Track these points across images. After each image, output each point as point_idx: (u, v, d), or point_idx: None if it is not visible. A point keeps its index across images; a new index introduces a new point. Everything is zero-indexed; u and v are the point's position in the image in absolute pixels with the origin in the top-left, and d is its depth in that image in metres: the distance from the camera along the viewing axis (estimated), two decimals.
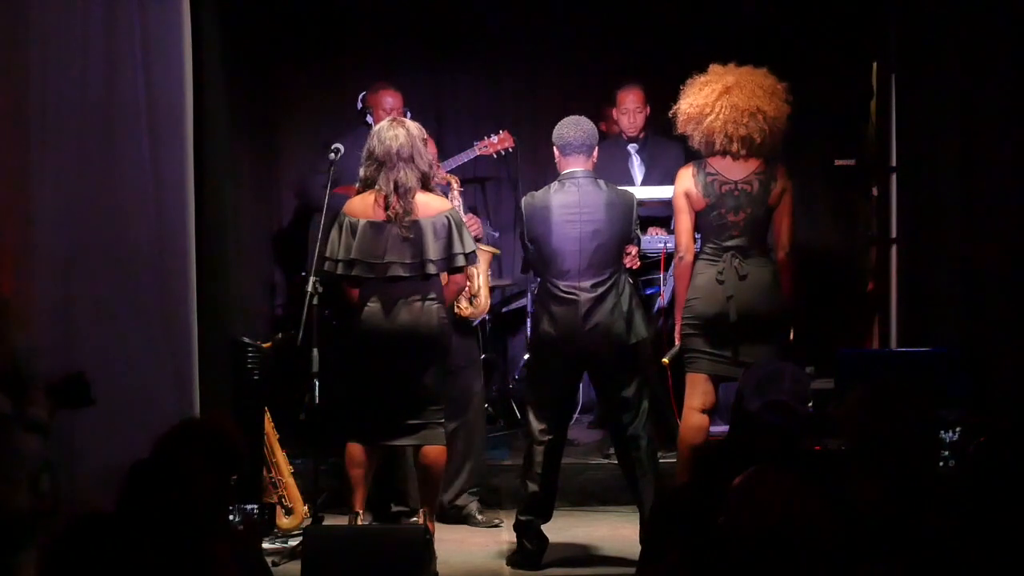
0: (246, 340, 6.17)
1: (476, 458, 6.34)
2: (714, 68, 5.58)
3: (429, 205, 5.39)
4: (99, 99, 5.55)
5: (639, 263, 6.20)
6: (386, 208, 5.33)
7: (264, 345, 6.23)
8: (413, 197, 5.33)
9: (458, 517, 6.31)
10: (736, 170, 5.51)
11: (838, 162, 7.25)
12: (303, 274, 6.40)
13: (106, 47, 5.55)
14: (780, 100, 5.51)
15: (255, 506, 5.65)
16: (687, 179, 5.56)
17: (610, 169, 6.46)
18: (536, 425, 5.58)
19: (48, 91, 5.49)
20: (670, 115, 5.67)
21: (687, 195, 5.54)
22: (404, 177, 5.32)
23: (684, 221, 5.57)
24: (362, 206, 5.40)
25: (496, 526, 6.16)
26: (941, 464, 4.46)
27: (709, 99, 5.49)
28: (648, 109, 7.11)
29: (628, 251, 5.70)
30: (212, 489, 3.21)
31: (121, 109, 5.57)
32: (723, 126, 5.45)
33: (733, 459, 3.24)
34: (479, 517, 6.27)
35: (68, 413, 4.62)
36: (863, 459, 3.19)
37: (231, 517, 3.63)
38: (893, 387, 3.38)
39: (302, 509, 6.03)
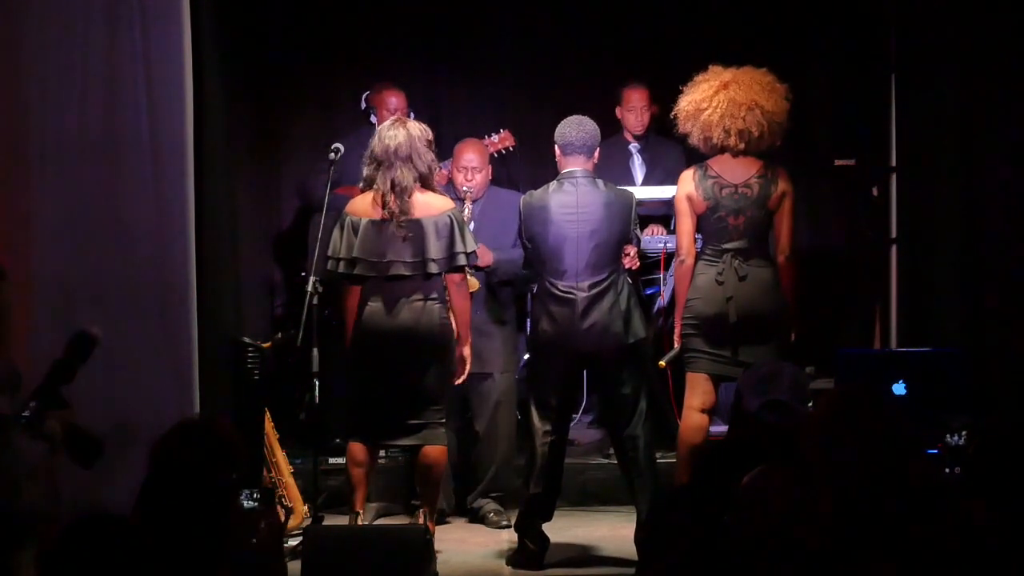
0: (246, 340, 6.17)
1: (502, 462, 6.37)
2: (713, 68, 5.60)
3: (431, 204, 5.39)
4: (99, 99, 5.55)
5: (638, 263, 6.20)
6: (383, 207, 5.34)
7: (264, 345, 6.23)
8: (410, 196, 5.33)
9: (475, 517, 6.36)
10: (737, 173, 5.52)
11: (838, 162, 7.25)
12: (303, 274, 6.40)
13: (107, 46, 5.55)
14: (779, 97, 5.52)
15: (256, 491, 5.59)
16: (688, 182, 5.57)
17: (611, 168, 6.46)
18: (539, 425, 5.57)
19: (48, 90, 5.49)
20: (671, 116, 5.68)
21: (689, 198, 5.55)
22: (401, 176, 5.32)
23: (685, 224, 5.58)
24: (364, 206, 5.40)
25: (505, 527, 6.16)
26: (947, 470, 4.44)
27: (707, 94, 5.51)
28: (655, 108, 7.11)
29: (627, 251, 5.69)
30: (212, 489, 3.21)
31: (121, 109, 5.57)
32: (720, 120, 5.46)
33: (732, 459, 3.23)
34: (494, 518, 6.29)
35: (68, 413, 4.60)
36: (823, 464, 3.18)
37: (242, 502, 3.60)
38: (855, 393, 3.36)
39: (302, 509, 6.03)
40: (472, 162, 6.33)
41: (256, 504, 5.49)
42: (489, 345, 6.26)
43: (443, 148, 6.47)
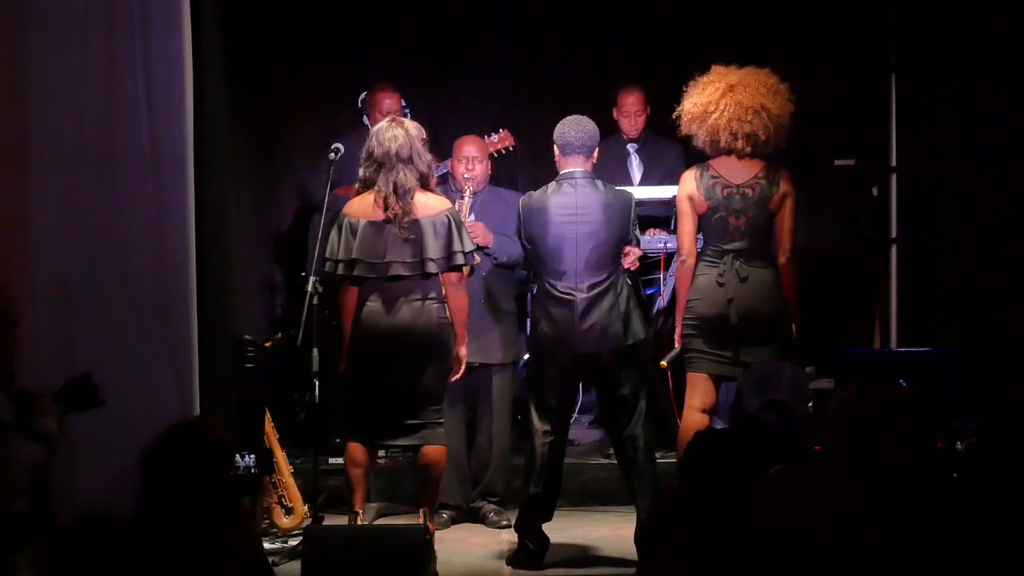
0: (247, 338, 6.17)
1: (503, 463, 6.36)
2: (716, 68, 5.58)
3: (429, 204, 5.39)
4: (99, 99, 5.55)
5: (638, 264, 6.18)
6: (385, 209, 5.33)
7: (264, 345, 6.23)
8: (412, 198, 5.33)
9: (475, 517, 6.37)
10: (738, 173, 5.51)
11: (838, 162, 7.25)
12: (303, 274, 6.40)
13: (107, 47, 5.55)
14: (784, 99, 5.52)
15: (252, 455, 5.57)
16: (690, 182, 5.56)
17: (609, 168, 6.46)
18: (539, 426, 5.57)
19: (49, 89, 5.49)
20: (674, 117, 5.67)
21: (690, 198, 5.54)
22: (403, 178, 5.32)
23: (687, 224, 5.57)
24: (362, 206, 5.40)
25: (505, 527, 6.16)
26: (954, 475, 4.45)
27: (713, 97, 5.49)
28: (649, 110, 7.12)
29: (626, 252, 5.68)
30: (209, 490, 3.21)
31: (121, 108, 5.57)
32: (728, 123, 5.45)
33: (719, 452, 3.22)
34: (493, 518, 6.30)
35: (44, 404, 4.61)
36: (847, 456, 3.19)
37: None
38: (880, 384, 3.37)
39: (302, 509, 6.03)
40: (472, 153, 6.37)
41: (253, 467, 5.51)
42: (489, 336, 6.26)
43: (443, 149, 6.48)
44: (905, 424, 3.20)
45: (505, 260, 6.25)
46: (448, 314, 5.45)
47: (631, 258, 5.81)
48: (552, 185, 5.55)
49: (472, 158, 6.34)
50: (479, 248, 5.98)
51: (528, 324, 6.17)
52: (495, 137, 6.86)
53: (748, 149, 5.48)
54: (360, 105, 7.06)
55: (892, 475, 3.12)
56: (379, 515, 6.33)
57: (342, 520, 5.57)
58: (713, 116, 5.48)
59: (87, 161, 5.53)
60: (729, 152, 5.51)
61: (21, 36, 5.46)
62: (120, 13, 5.57)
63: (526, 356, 6.32)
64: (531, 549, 5.57)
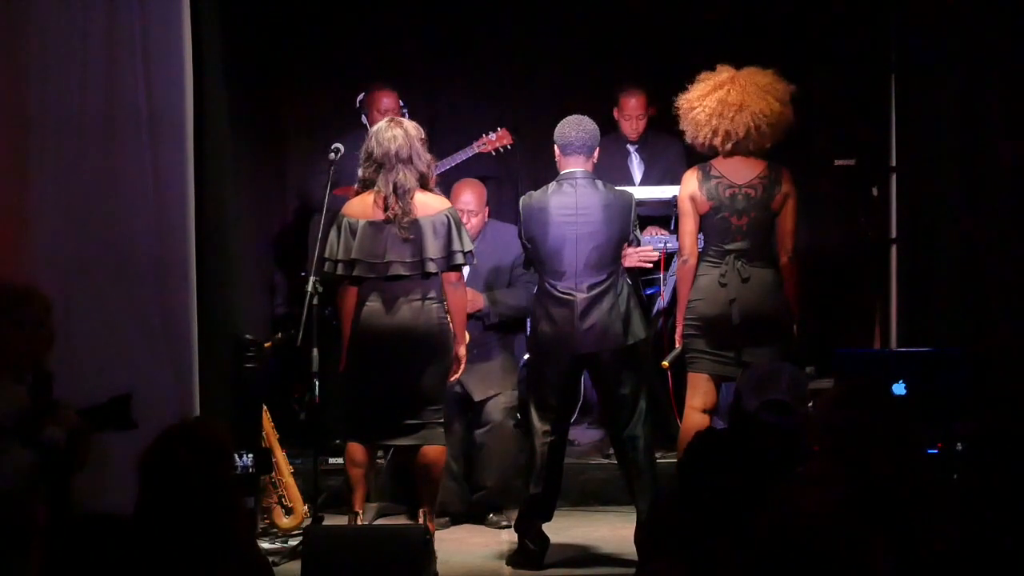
0: (248, 337, 6.17)
1: (505, 467, 6.35)
2: (720, 67, 5.60)
3: (428, 204, 5.39)
4: (99, 99, 5.55)
5: (638, 263, 6.15)
6: (385, 209, 5.33)
7: (264, 345, 6.23)
8: (412, 198, 5.33)
9: (475, 518, 6.37)
10: (741, 173, 5.52)
11: (838, 162, 7.25)
12: (303, 274, 6.41)
13: (106, 47, 5.56)
14: (773, 98, 5.51)
15: (251, 454, 5.57)
16: (692, 182, 5.56)
17: (609, 168, 6.46)
18: (538, 426, 5.57)
19: (48, 90, 5.49)
20: (674, 113, 5.69)
21: (692, 198, 5.55)
22: (403, 178, 5.32)
23: (688, 224, 5.57)
24: (361, 207, 5.40)
25: (505, 527, 6.16)
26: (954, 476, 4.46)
27: (700, 93, 5.53)
28: (651, 111, 7.12)
29: (625, 252, 5.66)
30: (210, 491, 3.21)
31: (121, 108, 5.57)
32: (708, 120, 5.49)
33: (726, 454, 3.22)
34: (493, 518, 6.30)
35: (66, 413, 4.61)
36: (833, 457, 3.19)
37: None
38: (863, 386, 3.38)
39: (302, 509, 6.03)
40: (469, 204, 6.35)
41: (251, 466, 5.52)
42: (492, 367, 6.34)
43: (442, 147, 6.48)
44: (885, 425, 3.21)
45: (494, 320, 6.34)
46: (448, 314, 5.45)
47: (632, 259, 5.82)
48: (552, 185, 5.55)
49: (468, 211, 6.30)
50: (471, 317, 5.99)
51: (528, 324, 6.17)
52: (493, 136, 6.87)
53: (728, 147, 5.50)
54: (359, 105, 7.07)
55: (877, 475, 3.12)
56: (379, 515, 6.32)
57: (342, 520, 5.57)
58: (695, 112, 5.52)
59: (87, 163, 5.53)
60: (712, 149, 5.53)
61: (21, 8, 5.46)
62: (120, 12, 5.57)
63: (526, 356, 6.32)
64: (531, 549, 5.57)
